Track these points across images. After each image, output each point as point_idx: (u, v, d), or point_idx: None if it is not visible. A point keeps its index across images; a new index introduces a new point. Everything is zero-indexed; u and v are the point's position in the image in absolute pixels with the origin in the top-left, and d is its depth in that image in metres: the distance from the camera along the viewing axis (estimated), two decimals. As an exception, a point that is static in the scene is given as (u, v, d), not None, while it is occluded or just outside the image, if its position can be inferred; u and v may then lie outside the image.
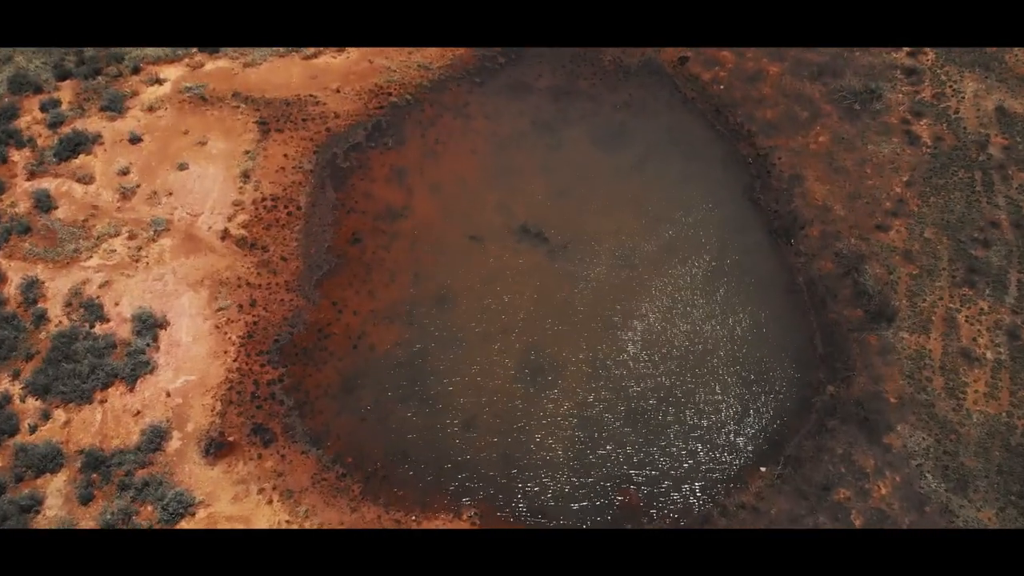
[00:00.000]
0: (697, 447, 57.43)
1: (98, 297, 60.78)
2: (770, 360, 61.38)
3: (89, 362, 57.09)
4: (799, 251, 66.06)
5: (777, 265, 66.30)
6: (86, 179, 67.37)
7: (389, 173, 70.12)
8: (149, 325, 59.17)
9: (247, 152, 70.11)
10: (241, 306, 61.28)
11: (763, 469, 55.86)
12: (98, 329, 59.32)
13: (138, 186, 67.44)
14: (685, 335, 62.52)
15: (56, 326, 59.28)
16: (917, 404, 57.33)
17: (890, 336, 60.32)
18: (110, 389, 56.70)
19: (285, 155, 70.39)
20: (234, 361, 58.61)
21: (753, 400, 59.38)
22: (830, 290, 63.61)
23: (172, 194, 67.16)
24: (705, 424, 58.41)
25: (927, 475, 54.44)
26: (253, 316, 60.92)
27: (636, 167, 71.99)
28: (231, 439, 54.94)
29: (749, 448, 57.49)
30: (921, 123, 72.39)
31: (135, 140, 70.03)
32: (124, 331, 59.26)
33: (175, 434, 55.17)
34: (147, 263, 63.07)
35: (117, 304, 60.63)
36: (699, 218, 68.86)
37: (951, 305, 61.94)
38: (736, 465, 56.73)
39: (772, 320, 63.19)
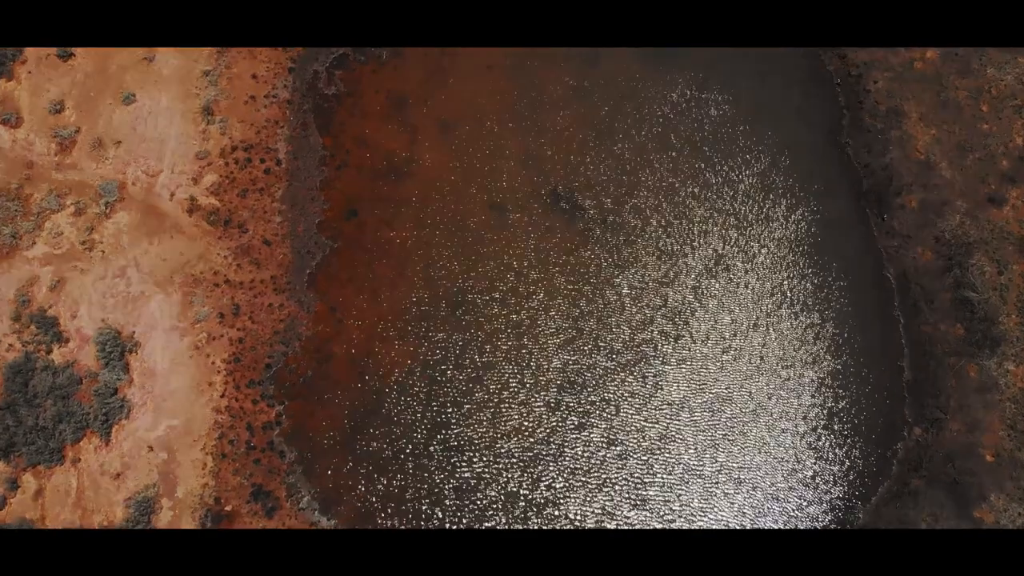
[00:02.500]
0: (762, 523, 49.08)
1: (51, 306, 50.52)
2: (850, 391, 50.44)
3: (54, 409, 48.52)
4: (892, 229, 51.96)
5: (864, 248, 52.82)
6: (12, 121, 53.78)
7: (386, 104, 54.63)
8: (117, 351, 49.51)
9: (207, 73, 54.91)
10: (223, 315, 50.80)
11: None
12: (57, 355, 49.87)
13: (77, 131, 53.83)
14: (751, 367, 51.13)
15: (7, 350, 49.86)
16: (1017, 466, 47.12)
17: (993, 368, 48.30)
18: (82, 443, 48.65)
19: (254, 76, 55.04)
20: (222, 397, 49.49)
21: (825, 451, 49.54)
22: (926, 292, 50.42)
23: (121, 143, 53.62)
24: (771, 491, 49.39)
25: None
26: (238, 330, 50.63)
27: (694, 92, 55.11)
28: (229, 508, 47.68)
29: (819, 516, 48.99)
30: (1057, 34, 53.57)
31: (65, 55, 54.85)
32: (88, 357, 49.77)
33: (164, 503, 47.91)
34: (103, 251, 51.73)
35: (75, 316, 50.47)
36: (772, 182, 53.84)
37: (1066, 326, 49.13)
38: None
39: (855, 333, 51.14)
